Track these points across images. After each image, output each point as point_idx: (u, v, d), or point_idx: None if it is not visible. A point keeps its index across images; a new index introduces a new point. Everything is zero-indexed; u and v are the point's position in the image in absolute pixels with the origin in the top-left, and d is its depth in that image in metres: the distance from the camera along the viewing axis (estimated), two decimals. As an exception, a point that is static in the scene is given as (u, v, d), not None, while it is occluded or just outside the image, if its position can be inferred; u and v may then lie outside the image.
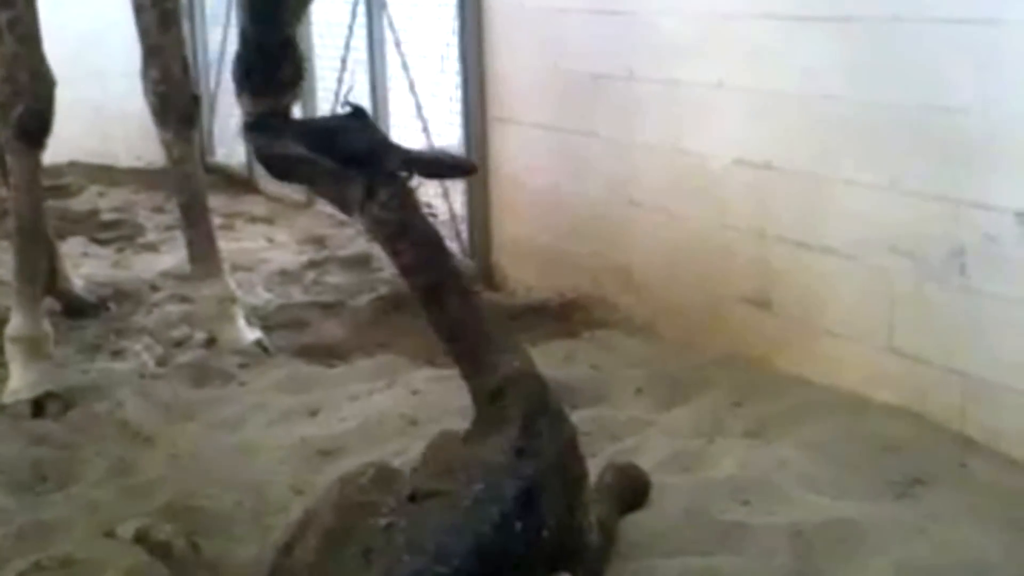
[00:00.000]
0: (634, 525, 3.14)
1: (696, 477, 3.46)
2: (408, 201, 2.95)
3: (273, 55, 3.20)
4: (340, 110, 3.21)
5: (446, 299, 2.93)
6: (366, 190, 2.89)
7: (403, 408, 4.11)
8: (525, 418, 2.77)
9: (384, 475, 2.84)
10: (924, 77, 3.72)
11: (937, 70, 3.68)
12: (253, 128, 3.13)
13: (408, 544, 2.50)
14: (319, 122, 3.13)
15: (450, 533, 2.51)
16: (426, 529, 2.53)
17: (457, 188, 6.18)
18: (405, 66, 6.56)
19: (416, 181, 2.98)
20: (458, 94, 5.95)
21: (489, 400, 2.87)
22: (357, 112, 3.02)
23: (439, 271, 2.94)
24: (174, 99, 4.92)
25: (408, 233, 2.92)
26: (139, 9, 4.92)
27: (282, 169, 3.11)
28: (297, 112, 6.21)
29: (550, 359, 4.38)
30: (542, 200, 5.55)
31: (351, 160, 2.90)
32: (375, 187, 2.89)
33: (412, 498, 2.66)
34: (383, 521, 2.59)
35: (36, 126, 4.45)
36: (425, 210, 3.12)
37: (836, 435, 3.67)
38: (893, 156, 3.83)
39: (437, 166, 3.23)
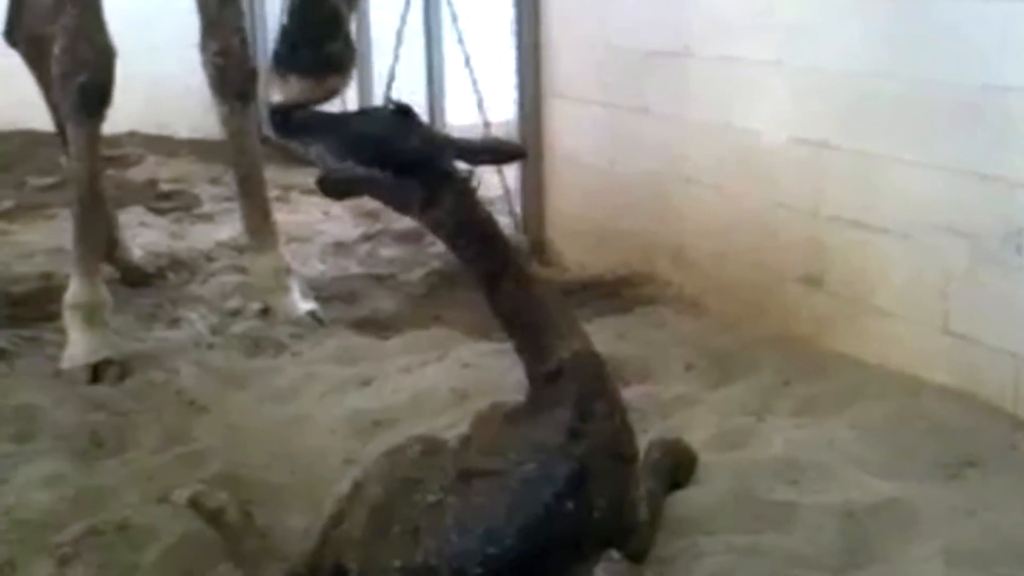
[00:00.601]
0: (681, 502, 3.14)
1: (744, 455, 3.45)
2: (467, 200, 2.90)
3: (320, 29, 3.14)
4: (386, 104, 3.10)
5: (505, 287, 2.92)
6: (425, 197, 2.85)
7: (454, 381, 4.12)
8: (580, 399, 2.77)
9: (431, 449, 2.86)
10: (982, 56, 3.68)
11: (995, 49, 3.63)
12: (286, 127, 3.05)
13: (457, 523, 2.52)
14: (365, 126, 2.96)
15: (500, 513, 2.53)
16: (476, 508, 2.55)
17: (511, 164, 6.18)
18: (461, 40, 6.57)
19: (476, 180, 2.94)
20: (513, 69, 5.96)
21: (545, 381, 2.87)
22: (402, 110, 2.92)
23: (498, 262, 2.92)
24: (232, 72, 4.96)
25: (467, 231, 2.89)
26: (199, -17, 4.97)
27: (342, 191, 3.07)
28: (354, 90, 6.20)
29: (601, 335, 4.36)
30: (595, 176, 5.55)
31: (406, 166, 2.84)
32: (434, 193, 2.84)
33: (461, 476, 2.68)
34: (431, 498, 2.61)
35: (96, 97, 4.49)
36: (484, 201, 3.01)
37: (887, 416, 3.65)
38: (949, 135, 3.80)
39: (487, 153, 3.17)
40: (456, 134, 3.08)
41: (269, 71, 3.17)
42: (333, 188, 2.99)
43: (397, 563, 2.51)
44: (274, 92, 3.23)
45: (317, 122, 3.01)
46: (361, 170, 2.86)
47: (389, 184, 2.86)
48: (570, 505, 2.59)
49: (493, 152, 3.20)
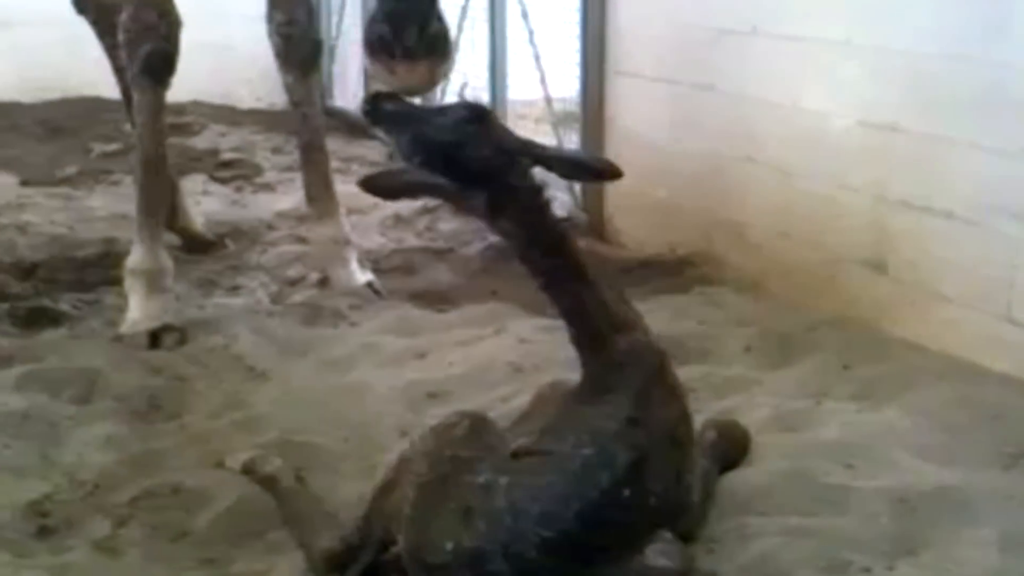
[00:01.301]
0: (736, 482, 3.12)
1: (800, 438, 3.43)
2: (535, 214, 2.78)
3: (423, 12, 3.03)
4: (460, 100, 2.96)
5: (571, 291, 2.84)
6: (491, 206, 2.75)
7: (510, 356, 4.12)
8: (640, 388, 2.74)
9: (478, 427, 2.81)
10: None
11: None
12: (375, 114, 2.87)
13: (510, 505, 2.50)
14: (439, 127, 2.77)
15: (556, 497, 2.50)
16: (530, 491, 2.53)
17: (572, 141, 6.17)
18: (525, 15, 6.54)
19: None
20: (577, 45, 5.93)
21: (603, 370, 2.82)
22: (478, 114, 2.79)
23: (565, 272, 2.82)
24: (297, 42, 4.98)
25: (536, 244, 2.80)
26: (265, -46, 4.98)
27: (392, 192, 2.99)
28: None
29: (659, 314, 4.37)
30: (657, 154, 5.51)
31: (473, 175, 2.73)
32: (500, 202, 2.75)
33: (513, 456, 2.66)
34: (482, 479, 2.58)
35: (162, 64, 4.53)
36: (555, 214, 2.87)
37: (946, 402, 3.60)
38: (1020, 121, 3.73)
39: (574, 168, 3.02)
40: (526, 127, 2.93)
41: (371, 56, 3.03)
42: (377, 191, 2.89)
43: (449, 545, 2.49)
44: (376, 79, 3.09)
45: (401, 114, 2.89)
46: (420, 174, 2.77)
47: (451, 191, 2.78)
48: (627, 492, 2.56)
49: (579, 168, 3.06)
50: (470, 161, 2.73)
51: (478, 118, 2.78)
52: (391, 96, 2.93)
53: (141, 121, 4.65)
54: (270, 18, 5.03)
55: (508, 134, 2.85)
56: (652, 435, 2.67)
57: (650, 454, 2.64)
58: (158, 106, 4.62)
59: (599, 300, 2.84)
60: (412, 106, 2.95)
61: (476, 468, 2.62)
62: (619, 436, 2.62)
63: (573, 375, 2.97)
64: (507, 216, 2.77)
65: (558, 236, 2.84)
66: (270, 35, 5.05)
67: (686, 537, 2.75)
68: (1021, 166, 3.73)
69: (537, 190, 2.78)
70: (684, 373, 3.70)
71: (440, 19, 3.02)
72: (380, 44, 2.95)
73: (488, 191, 2.75)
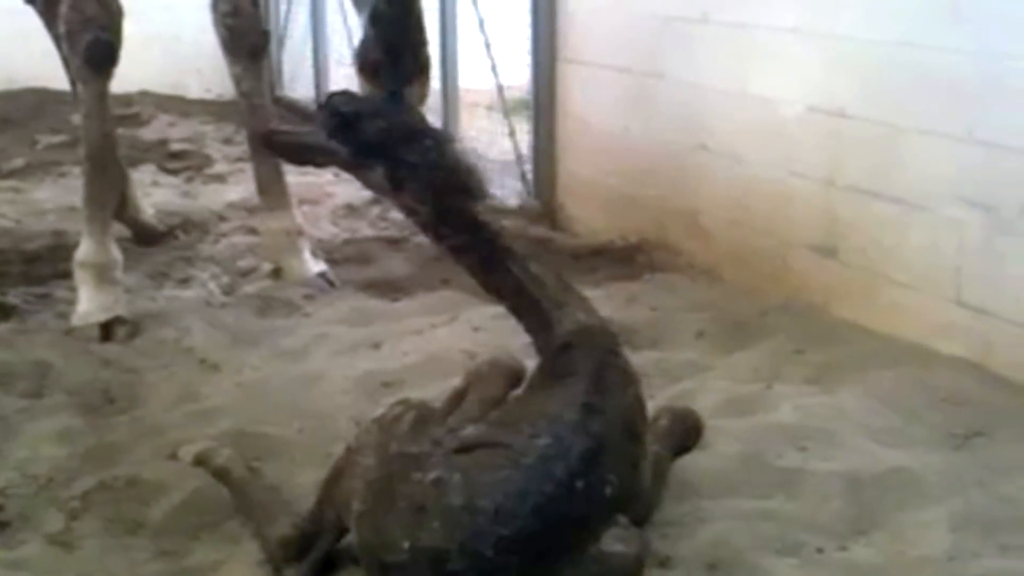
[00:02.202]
0: (689, 467, 3.14)
1: (753, 422, 3.45)
2: (438, 188, 2.82)
3: (415, 35, 3.08)
4: None
5: (498, 269, 2.88)
6: (390, 180, 2.81)
7: (465, 344, 4.13)
8: (594, 373, 2.73)
9: (423, 418, 2.78)
10: (1004, 27, 3.65)
11: (1019, 19, 3.60)
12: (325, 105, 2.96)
13: (465, 503, 2.45)
14: (344, 101, 2.89)
15: (512, 492, 2.46)
16: (484, 486, 2.48)
17: (523, 128, 6.18)
18: (475, 2, 6.53)
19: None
20: (528, 33, 5.93)
21: (556, 354, 2.83)
22: (391, 94, 2.88)
23: (486, 248, 2.87)
24: (243, 32, 4.95)
25: (445, 220, 2.84)
26: (211, -57, 4.94)
27: (294, 157, 3.06)
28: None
29: (612, 301, 4.39)
30: (609, 142, 5.53)
31: (370, 148, 2.81)
32: (398, 178, 2.80)
33: (464, 449, 2.61)
34: (431, 475, 2.52)
35: (104, 55, 4.49)
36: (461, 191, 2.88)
37: (897, 385, 3.64)
38: (970, 106, 3.76)
39: (455, 178, 2.87)
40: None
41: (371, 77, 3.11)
42: (277, 148, 3.01)
43: (405, 544, 2.44)
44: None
45: (340, 101, 2.94)
46: (318, 138, 2.84)
47: (345, 158, 2.84)
48: (582, 483, 2.54)
49: (457, 179, 2.88)
50: (367, 130, 2.80)
51: (389, 97, 2.88)
52: (346, 92, 2.98)
53: (85, 112, 4.60)
54: (215, 8, 4.99)
55: (417, 115, 2.93)
56: (608, 422, 2.67)
57: (606, 443, 2.63)
58: (102, 97, 4.57)
59: (532, 276, 2.87)
60: (357, 96, 3.00)
61: (425, 464, 2.56)
62: (575, 425, 2.61)
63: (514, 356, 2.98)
64: (407, 192, 2.82)
65: (467, 213, 2.86)
66: (216, 25, 5.01)
67: (640, 522, 2.75)
68: (970, 152, 3.77)
69: (436, 167, 2.82)
70: (637, 359, 3.72)
71: (426, 42, 3.10)
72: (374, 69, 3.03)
73: (385, 164, 2.80)
